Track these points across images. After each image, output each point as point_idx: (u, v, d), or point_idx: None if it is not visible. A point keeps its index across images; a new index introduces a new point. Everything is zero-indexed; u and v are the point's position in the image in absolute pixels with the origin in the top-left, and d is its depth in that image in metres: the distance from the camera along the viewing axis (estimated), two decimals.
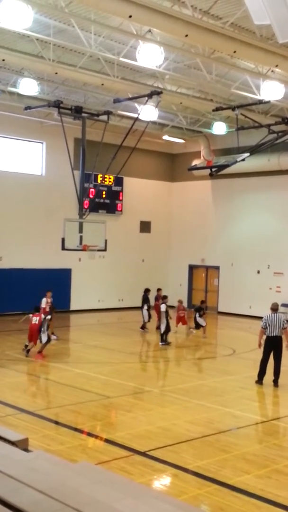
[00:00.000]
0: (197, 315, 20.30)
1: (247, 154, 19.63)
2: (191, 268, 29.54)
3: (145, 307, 21.41)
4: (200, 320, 20.17)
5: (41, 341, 15.55)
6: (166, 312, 18.71)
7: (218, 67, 17.95)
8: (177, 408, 11.34)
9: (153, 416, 10.88)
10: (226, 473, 8.03)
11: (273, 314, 13.56)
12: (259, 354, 17.49)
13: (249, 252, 26.46)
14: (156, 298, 21.48)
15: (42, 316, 15.73)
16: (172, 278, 29.84)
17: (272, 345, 13.42)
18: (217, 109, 20.11)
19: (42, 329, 15.47)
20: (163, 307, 18.84)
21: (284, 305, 24.68)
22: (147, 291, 21.92)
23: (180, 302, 21.83)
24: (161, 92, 18.29)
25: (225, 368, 16.45)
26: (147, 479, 7.83)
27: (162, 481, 7.96)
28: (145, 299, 21.59)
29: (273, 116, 22.42)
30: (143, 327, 21.38)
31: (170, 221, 30.06)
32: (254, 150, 19.79)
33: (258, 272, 26.22)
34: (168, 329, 18.51)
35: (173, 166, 30.05)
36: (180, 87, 20.53)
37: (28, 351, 15.66)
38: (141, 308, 21.59)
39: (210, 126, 24.71)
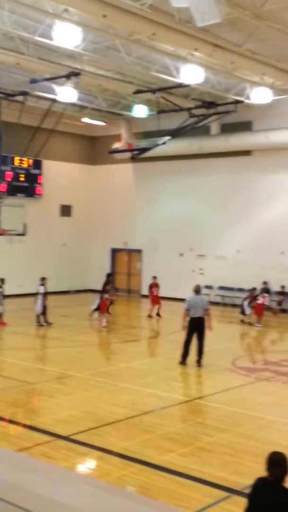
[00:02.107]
0: None
1: (168, 138, 19.77)
2: (114, 251, 29.48)
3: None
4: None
5: None
6: None
7: (137, 49, 17.78)
8: (101, 392, 11.28)
9: (77, 400, 10.77)
10: (150, 453, 8.05)
11: (195, 296, 13.72)
12: (182, 335, 17.72)
13: (172, 235, 26.70)
14: (151, 286, 21.42)
15: None
16: (94, 262, 29.68)
17: (195, 326, 13.58)
18: (137, 92, 20.02)
19: None
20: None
21: (207, 287, 25.19)
22: (108, 275, 21.62)
23: (155, 278, 21.70)
24: (79, 73, 17.96)
25: (148, 351, 16.58)
26: (71, 463, 7.73)
27: (86, 464, 7.89)
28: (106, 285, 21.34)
29: (193, 99, 22.57)
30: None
31: (91, 204, 29.80)
32: (175, 133, 19.91)
33: (181, 255, 26.53)
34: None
35: (94, 149, 29.74)
36: (99, 69, 20.21)
37: None
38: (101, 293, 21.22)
39: (131, 109, 24.58)
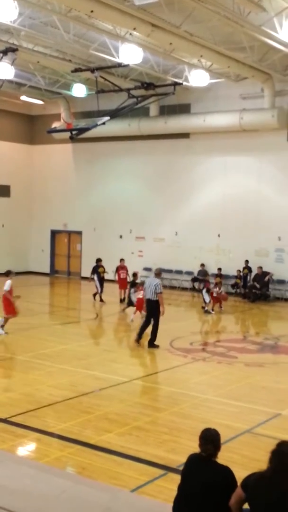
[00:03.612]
0: (132, 290, 18.35)
1: (107, 118, 19.47)
2: (54, 233, 29.19)
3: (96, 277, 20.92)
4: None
5: None
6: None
7: (76, 26, 17.53)
8: (40, 374, 11.24)
9: (15, 382, 10.70)
10: (89, 434, 8.12)
11: (149, 279, 14.16)
12: (123, 317, 17.93)
13: (111, 217, 26.66)
14: (118, 269, 21.13)
15: None
16: (34, 244, 29.33)
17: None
18: (76, 70, 19.60)
19: None
20: None
21: (146, 269, 25.36)
22: (98, 261, 21.36)
23: (122, 260, 21.42)
24: (16, 49, 17.36)
25: (88, 332, 16.59)
26: (9, 445, 7.70)
27: (25, 446, 7.87)
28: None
29: (132, 80, 22.48)
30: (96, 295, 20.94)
31: (30, 185, 29.31)
32: (114, 114, 19.71)
33: (121, 236, 26.56)
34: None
35: (32, 128, 29.18)
36: (37, 45, 19.79)
37: None
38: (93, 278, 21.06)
39: (70, 88, 24.22)
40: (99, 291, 20.92)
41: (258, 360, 13.04)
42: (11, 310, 14.74)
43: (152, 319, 13.90)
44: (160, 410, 9.27)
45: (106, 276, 21.27)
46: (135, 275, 19.29)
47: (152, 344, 13.78)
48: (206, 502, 4.58)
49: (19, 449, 7.76)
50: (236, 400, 10.04)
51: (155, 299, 13.73)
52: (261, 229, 22.87)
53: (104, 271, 21.29)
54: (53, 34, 18.35)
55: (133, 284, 18.32)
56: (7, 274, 15.22)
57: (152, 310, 13.87)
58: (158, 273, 14.63)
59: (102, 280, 21.01)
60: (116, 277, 21.09)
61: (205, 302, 19.47)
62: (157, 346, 13.76)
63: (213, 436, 4.84)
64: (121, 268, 21.31)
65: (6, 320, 14.80)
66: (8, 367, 11.89)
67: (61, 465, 7.16)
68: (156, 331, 13.84)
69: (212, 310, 19.51)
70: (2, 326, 14.77)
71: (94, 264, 21.63)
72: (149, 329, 13.92)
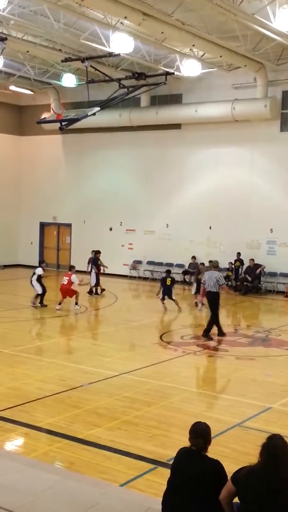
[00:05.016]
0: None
1: (97, 108, 19.24)
2: (43, 225, 28.95)
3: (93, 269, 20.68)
4: None
5: None
6: None
7: (66, 15, 17.29)
8: (28, 368, 11.09)
9: (3, 377, 10.52)
10: (77, 428, 7.99)
11: (209, 271, 14.38)
12: (113, 311, 17.76)
13: (101, 209, 26.45)
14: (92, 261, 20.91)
15: None
16: (23, 237, 29.10)
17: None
18: (66, 60, 19.33)
19: None
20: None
21: (136, 261, 25.24)
22: (97, 253, 21.15)
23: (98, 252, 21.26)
24: (5, 39, 17.13)
25: (77, 326, 16.44)
26: None
27: (12, 441, 7.73)
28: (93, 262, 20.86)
29: (123, 70, 22.25)
30: (90, 291, 20.66)
31: (19, 176, 29.03)
32: (104, 104, 19.50)
33: (111, 229, 26.37)
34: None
35: (22, 118, 28.87)
36: (26, 35, 19.51)
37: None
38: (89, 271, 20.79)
39: (60, 78, 23.95)
40: (92, 285, 20.61)
41: (249, 353, 12.94)
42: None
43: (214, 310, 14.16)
44: (150, 404, 9.15)
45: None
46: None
47: (207, 334, 13.99)
48: (196, 496, 4.53)
49: (7, 444, 7.62)
50: (226, 394, 9.94)
51: (216, 291, 13.97)
52: (253, 221, 22.78)
53: (103, 264, 21.15)
54: (43, 23, 18.10)
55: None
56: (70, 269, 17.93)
57: (214, 301, 14.09)
58: (216, 265, 14.99)
59: (98, 274, 20.81)
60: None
61: (195, 294, 19.22)
62: (211, 338, 13.90)
63: (203, 430, 4.81)
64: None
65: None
66: None
67: (49, 460, 7.05)
68: (214, 322, 14.11)
69: (202, 304, 19.08)
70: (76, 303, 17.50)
71: (91, 256, 21.31)
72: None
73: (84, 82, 21.79)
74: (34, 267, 18.90)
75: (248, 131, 22.67)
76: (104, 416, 8.52)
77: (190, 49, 19.66)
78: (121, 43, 17.98)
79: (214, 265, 14.98)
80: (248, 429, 8.23)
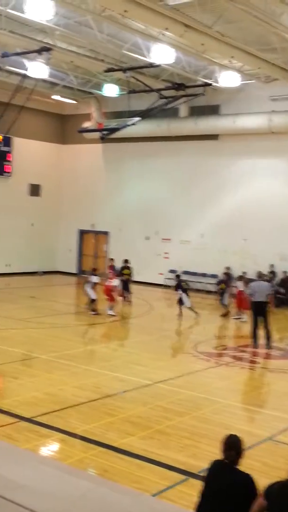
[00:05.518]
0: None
1: (137, 118, 19.60)
2: (81, 233, 29.34)
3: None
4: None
5: None
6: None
7: (109, 26, 17.60)
8: (65, 374, 11.32)
9: (40, 382, 10.79)
10: (111, 436, 8.16)
11: (258, 282, 14.75)
12: (147, 319, 17.89)
13: (138, 218, 26.67)
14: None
15: None
16: (62, 243, 29.51)
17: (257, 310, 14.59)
18: (108, 70, 19.81)
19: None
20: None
21: (171, 271, 25.32)
22: (125, 261, 21.28)
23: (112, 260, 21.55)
24: (51, 49, 17.61)
25: (113, 334, 16.65)
26: (33, 445, 7.78)
27: (48, 446, 7.95)
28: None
29: (163, 80, 22.49)
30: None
31: (60, 184, 29.50)
32: (144, 114, 19.78)
33: (147, 238, 26.54)
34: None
35: (64, 127, 29.38)
36: (70, 45, 19.93)
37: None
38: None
39: (101, 87, 24.33)
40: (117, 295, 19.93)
41: (282, 366, 12.93)
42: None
43: (261, 320, 14.43)
44: (182, 414, 9.26)
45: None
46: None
47: (269, 345, 14.30)
48: (226, 508, 4.56)
49: (43, 449, 7.84)
50: (258, 407, 9.98)
51: (266, 300, 14.33)
52: (287, 233, 22.65)
53: (129, 273, 21.13)
54: (86, 34, 18.45)
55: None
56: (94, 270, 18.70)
57: (264, 311, 14.40)
58: (261, 275, 15.72)
59: (126, 283, 20.75)
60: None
61: (224, 305, 19.18)
62: (272, 347, 14.30)
63: (236, 443, 4.82)
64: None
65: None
66: (33, 367, 12.00)
67: (84, 467, 7.20)
68: (270, 331, 14.49)
69: (241, 315, 18.63)
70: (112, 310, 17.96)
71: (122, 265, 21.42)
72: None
73: (125, 92, 22.18)
74: (71, 274, 19.15)
75: (285, 143, 22.58)
76: (137, 425, 8.67)
77: (229, 61, 19.75)
78: (161, 54, 18.21)
79: (260, 276, 15.50)
80: (279, 443, 8.26)
